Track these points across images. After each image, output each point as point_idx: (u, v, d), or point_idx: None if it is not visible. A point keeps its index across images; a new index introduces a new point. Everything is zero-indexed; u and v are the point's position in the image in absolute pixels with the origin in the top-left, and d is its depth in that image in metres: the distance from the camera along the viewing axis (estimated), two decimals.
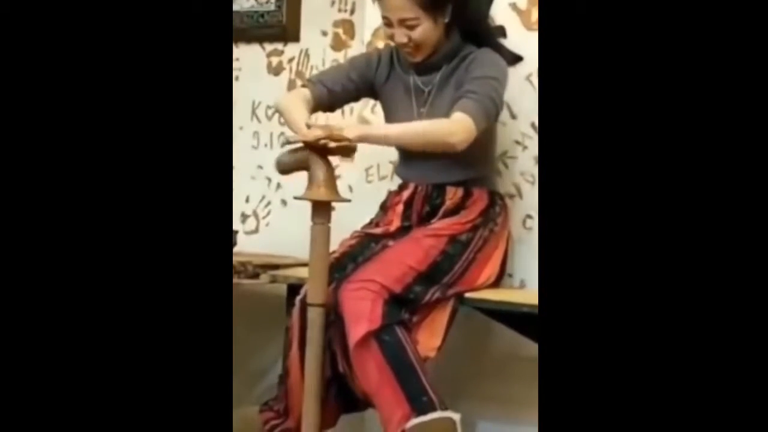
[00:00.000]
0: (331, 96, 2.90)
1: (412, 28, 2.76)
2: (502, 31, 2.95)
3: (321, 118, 3.08)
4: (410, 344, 2.61)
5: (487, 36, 2.87)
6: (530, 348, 2.86)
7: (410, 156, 2.88)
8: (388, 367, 2.57)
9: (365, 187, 3.20)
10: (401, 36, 2.78)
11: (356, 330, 2.58)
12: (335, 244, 2.71)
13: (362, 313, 2.59)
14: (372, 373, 2.59)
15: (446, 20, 2.80)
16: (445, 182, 2.85)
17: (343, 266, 2.75)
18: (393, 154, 3.03)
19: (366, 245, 2.83)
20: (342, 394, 2.73)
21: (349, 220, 2.97)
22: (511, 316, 2.79)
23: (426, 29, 2.77)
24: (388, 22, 2.79)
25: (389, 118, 2.92)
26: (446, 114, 2.74)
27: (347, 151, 2.67)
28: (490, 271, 2.86)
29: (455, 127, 2.68)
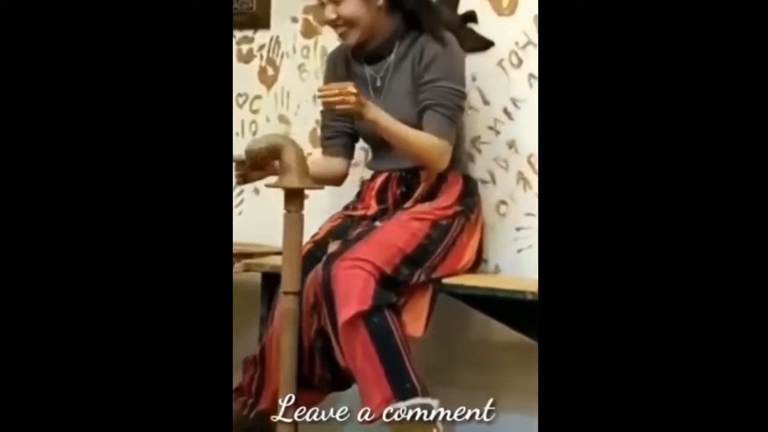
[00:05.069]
0: (343, 138, 2.96)
1: (338, 2, 2.77)
2: (472, 17, 2.94)
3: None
4: (398, 329, 2.61)
5: (429, 21, 2.85)
6: (505, 334, 2.87)
7: (382, 148, 2.87)
8: (374, 350, 2.57)
9: None
10: (330, 12, 2.80)
11: (346, 309, 2.58)
12: (309, 232, 2.70)
13: (353, 292, 2.59)
14: (357, 354, 2.58)
15: (380, 1, 2.80)
16: (417, 167, 2.85)
17: (325, 243, 2.75)
18: (363, 141, 3.02)
19: (349, 225, 2.83)
20: (330, 372, 2.71)
21: (322, 208, 2.96)
22: (485, 302, 2.78)
23: (354, 4, 2.77)
24: (320, 2, 2.81)
25: None
26: (403, 107, 2.78)
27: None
28: (468, 257, 2.85)
29: (444, 155, 2.77)
